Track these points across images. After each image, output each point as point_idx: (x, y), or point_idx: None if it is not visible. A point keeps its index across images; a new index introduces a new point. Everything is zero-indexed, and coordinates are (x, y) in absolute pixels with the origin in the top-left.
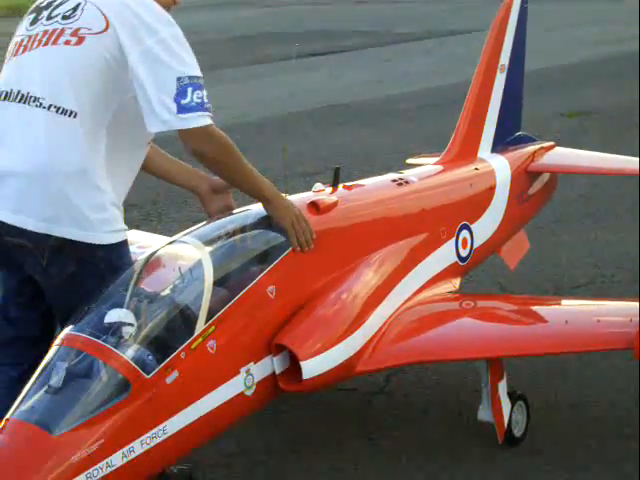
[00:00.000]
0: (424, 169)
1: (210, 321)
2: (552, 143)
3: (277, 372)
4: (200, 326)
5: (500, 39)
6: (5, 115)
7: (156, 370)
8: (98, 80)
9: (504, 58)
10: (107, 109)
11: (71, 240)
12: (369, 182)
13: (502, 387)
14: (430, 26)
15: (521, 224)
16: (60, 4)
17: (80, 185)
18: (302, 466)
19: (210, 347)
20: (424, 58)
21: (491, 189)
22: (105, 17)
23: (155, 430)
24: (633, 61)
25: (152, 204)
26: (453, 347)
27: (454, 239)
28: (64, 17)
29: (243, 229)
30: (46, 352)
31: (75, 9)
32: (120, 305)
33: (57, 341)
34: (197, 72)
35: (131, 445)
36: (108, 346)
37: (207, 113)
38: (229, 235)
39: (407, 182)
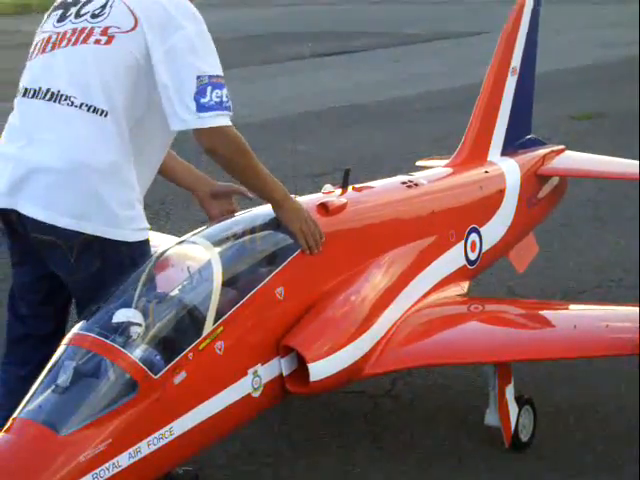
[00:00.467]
0: (434, 171)
1: (218, 322)
2: (562, 147)
3: (284, 374)
4: (208, 327)
5: (512, 41)
6: (34, 112)
7: (164, 371)
8: (128, 79)
9: (515, 60)
10: (137, 107)
11: (100, 237)
12: (378, 184)
13: (509, 391)
14: (440, 27)
15: (530, 227)
16: (89, 1)
17: (111, 182)
18: (308, 468)
19: (218, 348)
20: (434, 59)
21: (501, 192)
22: (134, 15)
23: (162, 431)
24: None
25: (160, 203)
26: (461, 351)
27: (463, 242)
28: (93, 15)
29: (252, 230)
30: (56, 351)
31: (104, 7)
32: (128, 305)
33: (65, 340)
34: (218, 71)
35: (138, 445)
36: (116, 346)
37: (226, 112)
38: (238, 236)
39: (416, 184)
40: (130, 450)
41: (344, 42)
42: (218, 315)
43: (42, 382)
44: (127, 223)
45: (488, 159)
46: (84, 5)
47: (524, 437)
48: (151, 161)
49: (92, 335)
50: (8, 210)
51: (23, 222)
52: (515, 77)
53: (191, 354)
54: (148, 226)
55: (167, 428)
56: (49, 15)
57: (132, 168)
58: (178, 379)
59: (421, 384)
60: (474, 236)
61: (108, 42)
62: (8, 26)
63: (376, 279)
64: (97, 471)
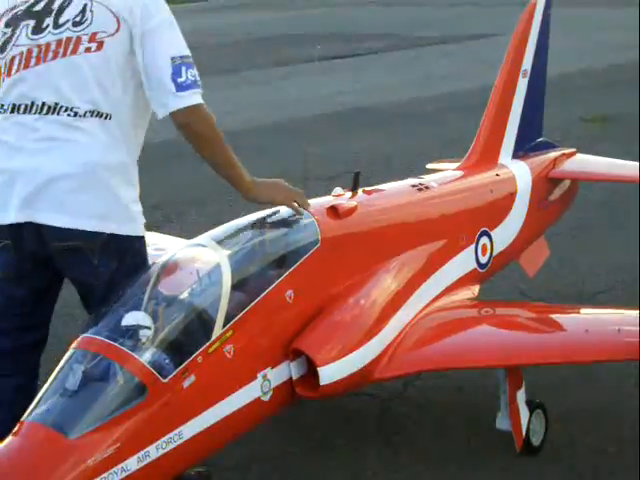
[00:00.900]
0: (444, 174)
1: (228, 325)
2: (573, 150)
3: (294, 377)
4: (217, 330)
5: (523, 44)
6: (30, 127)
7: (173, 374)
8: (123, 79)
9: (527, 63)
10: (136, 105)
11: (117, 235)
12: (388, 187)
13: (520, 395)
14: (453, 30)
15: (541, 231)
16: (63, 9)
17: (124, 180)
18: (319, 471)
19: (227, 351)
20: (445, 62)
21: (512, 195)
22: (115, 15)
23: (171, 435)
24: None
25: (172, 206)
26: (471, 355)
27: (474, 245)
28: (75, 23)
29: (262, 233)
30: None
31: (83, 13)
32: (138, 308)
33: (74, 344)
34: (188, 52)
35: (147, 450)
36: (125, 349)
37: (200, 90)
38: (247, 239)
39: (427, 187)
40: (139, 454)
41: (355, 44)
42: (227, 318)
43: (50, 385)
44: (139, 218)
45: (499, 162)
46: (59, 14)
47: (535, 441)
48: (137, 155)
49: (101, 338)
50: (21, 224)
51: (39, 233)
52: (526, 80)
53: (200, 357)
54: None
55: (176, 432)
56: (10, 25)
57: (136, 166)
58: (187, 383)
59: (432, 386)
60: (485, 239)
61: (98, 48)
62: None
63: (386, 282)
64: (105, 475)
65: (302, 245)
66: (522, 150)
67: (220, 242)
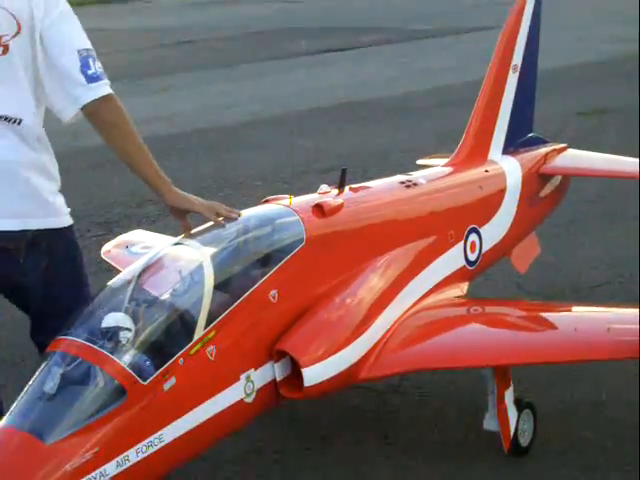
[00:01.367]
0: (433, 171)
1: (210, 326)
2: (564, 145)
3: (278, 379)
4: (199, 331)
5: (513, 38)
6: None
7: (153, 376)
8: (30, 81)
9: (517, 58)
10: (42, 104)
11: (44, 230)
12: (376, 184)
13: (508, 395)
14: (450, 23)
15: (532, 227)
16: None
17: (42, 176)
18: (317, 465)
19: (209, 353)
20: (443, 55)
21: (501, 192)
22: (14, 17)
23: (151, 438)
24: None
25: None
26: (458, 354)
27: (462, 243)
28: None
29: (245, 232)
30: None
31: None
32: (118, 309)
33: (53, 346)
34: (90, 45)
35: (126, 454)
36: (104, 352)
37: (109, 82)
38: (231, 238)
39: (415, 184)
40: (118, 458)
41: (353, 38)
42: (210, 319)
43: (29, 388)
44: (62, 209)
45: (489, 158)
46: None
47: (524, 442)
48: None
49: (80, 340)
50: None
51: None
52: (516, 74)
53: (182, 359)
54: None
55: (157, 435)
56: None
57: (53, 159)
58: (168, 385)
59: (429, 380)
60: (474, 236)
61: (5, 51)
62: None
63: (372, 281)
64: None
65: (286, 244)
66: (512, 146)
67: (203, 241)
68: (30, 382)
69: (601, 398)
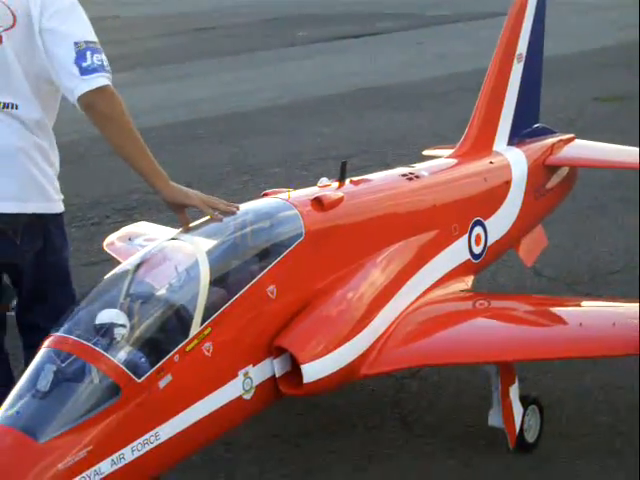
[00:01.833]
0: (436, 162)
1: (206, 322)
2: (572, 135)
3: (277, 375)
4: (195, 328)
5: (517, 28)
6: None
7: (148, 374)
8: (24, 70)
9: (522, 47)
10: (40, 93)
11: (39, 214)
12: (377, 177)
13: (513, 391)
14: (467, 8)
15: (539, 219)
16: None
17: (41, 161)
18: (336, 449)
19: (206, 349)
20: (460, 40)
21: (507, 183)
22: (11, 11)
23: (147, 436)
24: None
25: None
26: (460, 351)
27: (467, 236)
28: None
29: (243, 227)
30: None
31: None
32: (112, 305)
33: (45, 343)
34: (94, 37)
35: (121, 452)
36: (97, 349)
37: (108, 74)
38: (228, 233)
39: (417, 176)
40: (113, 457)
41: (369, 24)
42: (206, 315)
43: (21, 387)
44: (57, 195)
45: (493, 149)
46: None
47: (530, 438)
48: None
49: (73, 337)
50: None
51: None
52: (521, 64)
53: (177, 356)
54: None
55: (152, 433)
56: None
57: (53, 145)
58: (163, 382)
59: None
60: (478, 229)
61: None
62: None
63: (373, 276)
64: (77, 479)
65: (285, 238)
66: (518, 136)
67: (199, 236)
68: (22, 379)
69: (619, 382)
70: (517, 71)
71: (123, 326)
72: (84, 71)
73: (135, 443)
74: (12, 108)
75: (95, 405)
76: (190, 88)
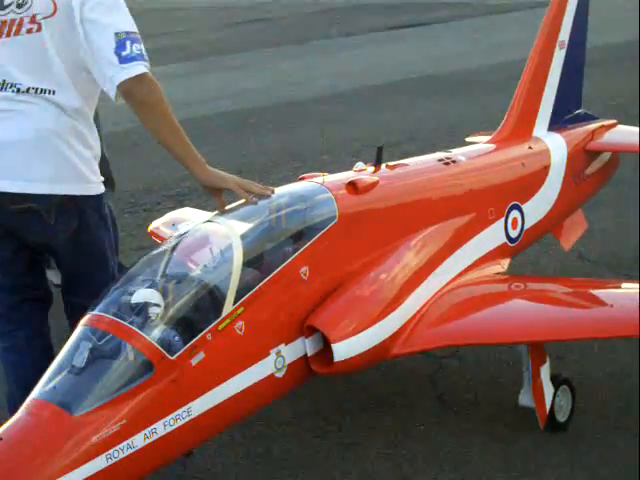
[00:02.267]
0: (473, 148)
1: (239, 302)
2: (614, 121)
3: (309, 354)
4: (228, 307)
5: (560, 15)
6: None
7: (181, 351)
8: (62, 57)
9: (564, 34)
10: (79, 80)
11: (72, 196)
12: (414, 161)
13: (544, 371)
14: None
15: (578, 204)
16: None
17: (77, 144)
18: (373, 425)
19: (238, 328)
20: (515, 29)
21: (545, 168)
22: (53, 0)
23: (179, 412)
24: None
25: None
26: (491, 331)
27: (503, 219)
28: (18, 5)
29: (277, 210)
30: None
31: None
32: (147, 285)
33: (82, 321)
34: (134, 28)
35: (154, 426)
36: (132, 327)
37: (146, 63)
38: (262, 215)
39: (454, 161)
40: (145, 431)
41: (424, 14)
42: (239, 295)
43: (58, 362)
44: (93, 177)
45: (533, 134)
46: None
47: (561, 418)
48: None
49: (109, 316)
50: None
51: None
52: (563, 51)
53: (210, 335)
54: (102, 178)
55: (184, 409)
56: None
57: (92, 128)
58: (196, 360)
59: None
60: (515, 213)
61: (38, 29)
62: None
63: (406, 258)
64: (111, 452)
65: (319, 221)
66: (559, 122)
67: (234, 218)
68: (59, 356)
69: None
70: (559, 58)
71: (157, 305)
72: (123, 60)
73: (167, 418)
74: (49, 93)
75: (129, 381)
76: (246, 78)
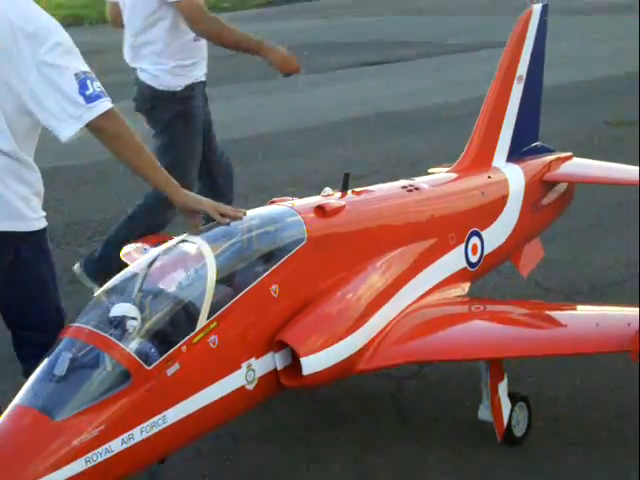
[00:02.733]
0: (436, 176)
1: (212, 317)
2: (569, 154)
3: (279, 368)
4: (202, 321)
5: (518, 50)
6: None
7: (157, 362)
8: (4, 100)
9: (522, 69)
10: (19, 124)
11: (8, 232)
12: (379, 187)
13: (502, 388)
14: (486, 37)
15: (535, 233)
16: None
17: (9, 183)
18: (339, 441)
19: (212, 342)
20: (476, 67)
21: (504, 197)
22: None
23: (155, 419)
24: None
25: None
26: (453, 348)
27: (463, 245)
28: None
29: (249, 230)
30: None
31: None
32: (125, 300)
33: (63, 332)
34: (87, 67)
35: (131, 432)
36: (111, 338)
37: (109, 99)
38: (235, 236)
39: (417, 188)
40: (123, 436)
41: (387, 52)
42: (213, 310)
43: (40, 371)
44: (29, 215)
45: (492, 165)
46: None
47: (518, 432)
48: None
49: (89, 328)
50: None
51: None
52: (521, 85)
53: (185, 347)
54: (44, 214)
55: (160, 416)
56: None
57: (31, 166)
58: (171, 370)
59: (448, 365)
60: (475, 239)
61: None
62: None
63: (372, 279)
64: (89, 455)
65: (288, 242)
66: (517, 154)
67: (208, 238)
68: (42, 364)
69: (608, 380)
70: (517, 91)
71: (135, 319)
72: (88, 99)
73: (144, 425)
74: None
75: (107, 389)
76: (214, 112)
